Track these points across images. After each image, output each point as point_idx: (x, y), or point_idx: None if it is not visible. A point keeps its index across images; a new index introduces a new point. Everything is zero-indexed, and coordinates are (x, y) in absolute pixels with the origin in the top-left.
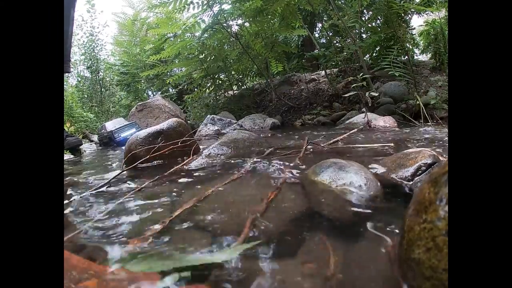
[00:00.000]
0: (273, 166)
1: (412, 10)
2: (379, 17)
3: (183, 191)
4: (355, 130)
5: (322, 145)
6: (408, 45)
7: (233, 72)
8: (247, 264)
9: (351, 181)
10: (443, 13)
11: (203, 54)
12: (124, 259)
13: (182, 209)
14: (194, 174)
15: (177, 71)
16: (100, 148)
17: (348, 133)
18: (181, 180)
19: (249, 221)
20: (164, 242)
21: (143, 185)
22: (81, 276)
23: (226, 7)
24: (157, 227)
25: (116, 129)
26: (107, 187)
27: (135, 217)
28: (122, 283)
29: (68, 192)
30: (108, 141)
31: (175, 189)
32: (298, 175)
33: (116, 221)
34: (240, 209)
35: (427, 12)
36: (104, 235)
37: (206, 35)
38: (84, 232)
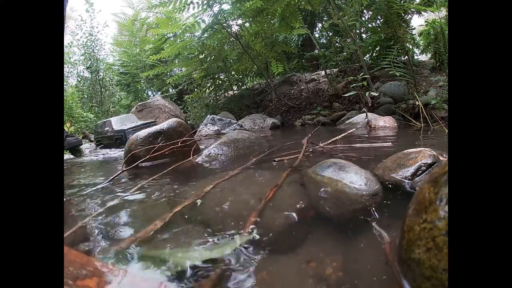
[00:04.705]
0: (273, 165)
1: (412, 10)
2: (379, 17)
3: (183, 188)
4: (353, 129)
5: (320, 145)
6: (408, 45)
7: (233, 72)
8: (248, 261)
9: (351, 181)
10: (443, 13)
11: (203, 54)
12: (125, 258)
13: (182, 205)
14: (194, 172)
15: (177, 71)
16: (99, 149)
17: (345, 134)
18: (181, 179)
19: (253, 216)
20: (164, 239)
21: (142, 183)
22: (79, 272)
23: (226, 7)
24: (157, 223)
25: (130, 128)
26: (107, 185)
27: (135, 214)
28: (123, 283)
29: (68, 191)
30: (115, 142)
31: (175, 187)
32: (298, 174)
33: (116, 218)
34: (240, 207)
35: (427, 12)
36: (104, 231)
37: (206, 35)
38: (83, 228)
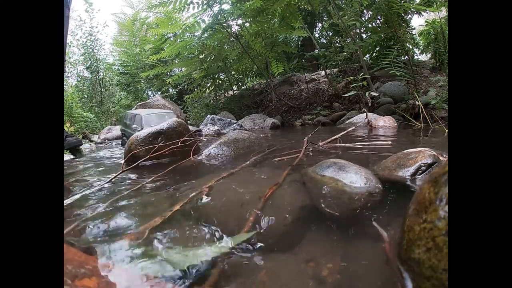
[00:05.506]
0: (273, 165)
1: (412, 10)
2: (379, 17)
3: (182, 187)
4: (352, 127)
5: (320, 144)
6: (408, 45)
7: (233, 72)
8: (247, 260)
9: (351, 180)
10: (443, 13)
11: (203, 54)
12: (125, 256)
13: (181, 204)
14: (194, 171)
15: (177, 71)
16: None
17: (344, 132)
18: (181, 178)
19: (252, 214)
20: (163, 238)
21: (142, 182)
22: (78, 271)
23: (226, 7)
24: (157, 220)
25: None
26: (107, 184)
27: (134, 213)
28: (123, 282)
29: (69, 191)
30: None
31: (174, 186)
32: (298, 174)
33: (115, 217)
34: (240, 205)
35: (427, 12)
36: (104, 230)
37: (206, 35)
38: (83, 227)
